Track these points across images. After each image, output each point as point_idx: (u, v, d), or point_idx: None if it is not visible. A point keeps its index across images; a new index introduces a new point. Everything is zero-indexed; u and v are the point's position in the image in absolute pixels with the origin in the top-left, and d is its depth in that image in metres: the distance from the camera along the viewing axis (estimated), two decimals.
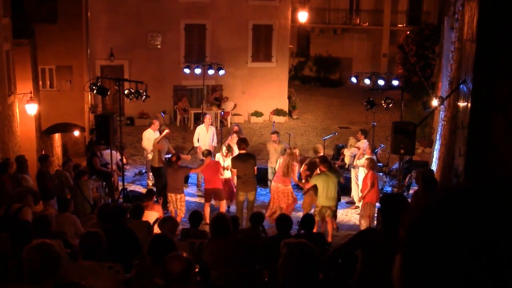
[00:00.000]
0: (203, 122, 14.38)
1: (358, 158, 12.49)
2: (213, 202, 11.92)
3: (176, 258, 4.09)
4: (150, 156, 13.56)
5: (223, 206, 11.72)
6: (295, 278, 3.56)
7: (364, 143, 13.10)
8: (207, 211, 11.50)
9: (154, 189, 12.09)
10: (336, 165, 12.84)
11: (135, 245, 6.44)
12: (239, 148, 11.48)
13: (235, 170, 11.31)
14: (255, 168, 11.32)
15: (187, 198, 12.15)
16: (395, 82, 15.23)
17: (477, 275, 0.88)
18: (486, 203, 0.93)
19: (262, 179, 13.22)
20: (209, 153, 11.99)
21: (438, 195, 0.99)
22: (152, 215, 9.18)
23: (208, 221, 10.23)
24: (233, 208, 12.04)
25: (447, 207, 0.95)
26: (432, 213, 0.96)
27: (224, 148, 12.37)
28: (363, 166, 11.84)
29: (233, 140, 13.94)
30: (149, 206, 9.58)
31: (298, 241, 3.73)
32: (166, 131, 13.05)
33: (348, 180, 12.88)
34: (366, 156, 11.97)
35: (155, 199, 10.24)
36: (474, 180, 0.99)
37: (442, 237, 0.92)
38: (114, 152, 12.40)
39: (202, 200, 12.43)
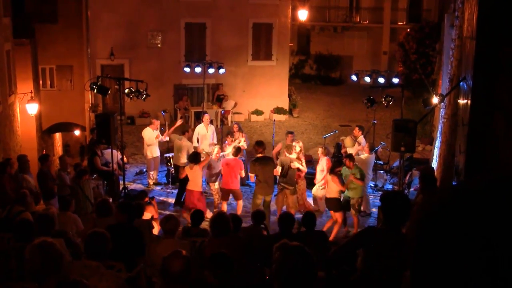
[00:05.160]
0: (202, 121, 14.46)
1: (355, 153, 12.60)
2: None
3: (175, 256, 4.09)
4: (149, 154, 13.83)
5: (240, 206, 11.40)
6: (290, 285, 3.28)
7: (363, 139, 13.27)
8: (224, 209, 11.01)
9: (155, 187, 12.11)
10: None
11: (139, 243, 6.45)
12: (256, 152, 11.03)
13: (253, 175, 10.86)
14: (274, 170, 10.98)
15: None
16: (396, 80, 15.20)
17: (477, 275, 0.88)
18: (486, 203, 0.93)
19: None
20: (238, 151, 11.30)
21: (439, 199, 0.99)
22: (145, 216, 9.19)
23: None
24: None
25: (448, 209, 0.95)
26: (435, 217, 0.96)
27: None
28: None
29: (235, 136, 13.99)
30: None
31: (292, 245, 3.38)
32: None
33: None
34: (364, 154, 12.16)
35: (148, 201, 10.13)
36: (474, 180, 0.99)
37: (444, 238, 0.92)
38: (114, 151, 12.41)
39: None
